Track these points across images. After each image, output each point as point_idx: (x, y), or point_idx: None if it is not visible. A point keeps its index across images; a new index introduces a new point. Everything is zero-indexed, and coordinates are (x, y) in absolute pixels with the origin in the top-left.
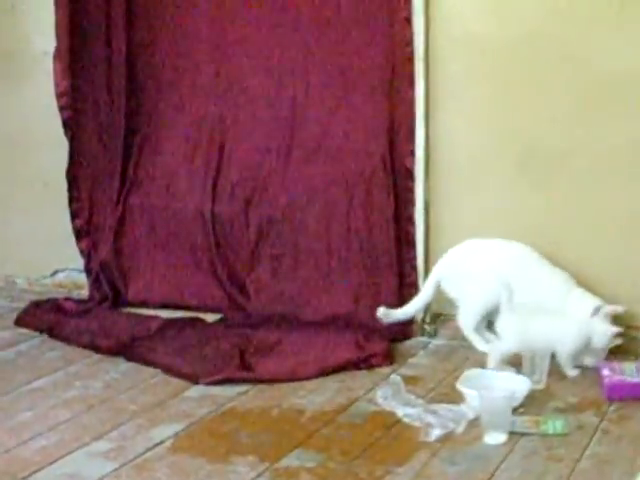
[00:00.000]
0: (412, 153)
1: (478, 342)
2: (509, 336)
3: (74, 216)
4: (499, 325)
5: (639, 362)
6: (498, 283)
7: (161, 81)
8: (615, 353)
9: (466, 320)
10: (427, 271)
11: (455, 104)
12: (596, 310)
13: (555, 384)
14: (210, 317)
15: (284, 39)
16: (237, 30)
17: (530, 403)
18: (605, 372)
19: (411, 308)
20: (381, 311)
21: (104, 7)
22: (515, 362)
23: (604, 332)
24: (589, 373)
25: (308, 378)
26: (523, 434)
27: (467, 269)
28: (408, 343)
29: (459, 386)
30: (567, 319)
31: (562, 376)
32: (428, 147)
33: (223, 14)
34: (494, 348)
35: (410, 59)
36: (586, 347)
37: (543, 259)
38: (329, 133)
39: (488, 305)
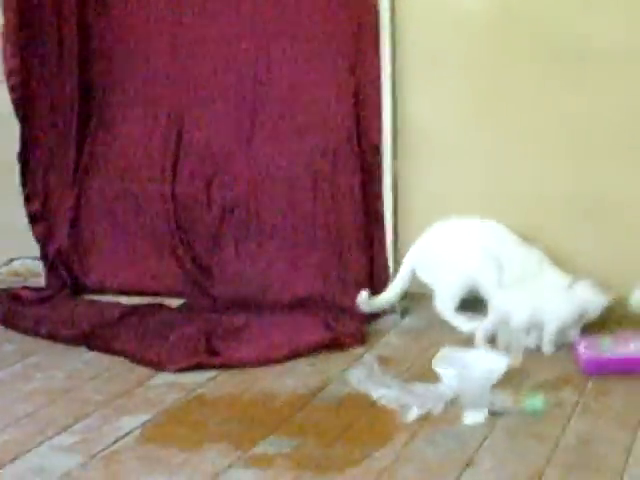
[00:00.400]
0: (379, 128)
1: (461, 323)
2: (504, 312)
3: (28, 200)
4: (492, 302)
5: (615, 337)
6: (482, 261)
7: (115, 63)
8: (589, 328)
9: (444, 304)
10: (396, 249)
11: (423, 77)
12: (571, 286)
13: (530, 361)
14: (173, 302)
15: (243, 17)
16: (193, 9)
17: (507, 381)
18: (581, 348)
19: (387, 296)
20: (362, 297)
21: None
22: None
23: (598, 303)
24: (563, 349)
25: (278, 361)
26: (502, 413)
27: (439, 253)
28: (379, 322)
29: (435, 366)
30: (560, 292)
31: (537, 353)
32: (396, 122)
33: None
34: (482, 327)
35: (375, 31)
36: (578, 320)
37: (515, 236)
38: (292, 110)
39: (464, 286)
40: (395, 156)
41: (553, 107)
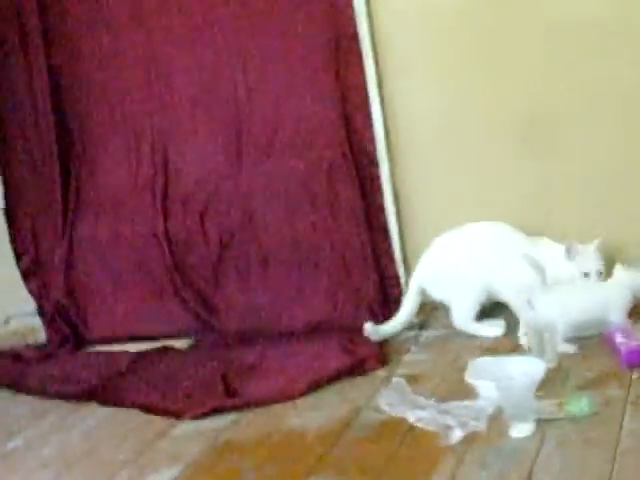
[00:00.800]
0: (372, 137)
1: (485, 331)
2: (559, 314)
3: (19, 257)
4: (541, 307)
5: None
6: (496, 265)
7: (89, 96)
8: None
9: (463, 317)
10: (406, 261)
11: (409, 80)
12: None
13: (566, 361)
14: (181, 344)
15: (217, 34)
16: (166, 33)
17: (547, 386)
18: (619, 338)
19: (398, 322)
20: (369, 329)
21: (17, 22)
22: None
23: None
24: (591, 344)
25: (301, 394)
26: (549, 420)
27: (447, 267)
28: (397, 339)
29: (469, 379)
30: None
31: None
32: (388, 130)
33: (150, 20)
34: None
35: (355, 37)
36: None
37: (519, 232)
38: (279, 127)
39: (480, 296)
40: (392, 164)
41: (555, 91)
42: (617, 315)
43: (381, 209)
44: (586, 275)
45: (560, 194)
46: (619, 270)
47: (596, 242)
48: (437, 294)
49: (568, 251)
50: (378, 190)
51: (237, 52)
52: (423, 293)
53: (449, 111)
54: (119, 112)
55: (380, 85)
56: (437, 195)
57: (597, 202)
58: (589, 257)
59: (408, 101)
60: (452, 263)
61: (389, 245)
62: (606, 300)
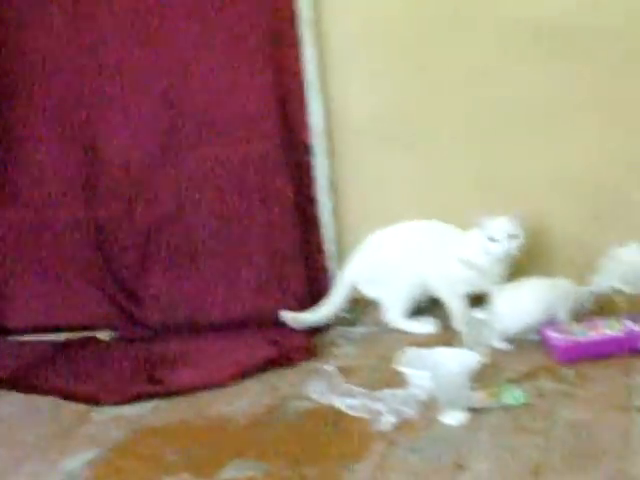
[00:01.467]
0: (308, 127)
1: (417, 327)
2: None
3: None
4: (497, 305)
5: (582, 323)
6: (428, 262)
7: (15, 81)
8: None
9: (394, 314)
10: (337, 255)
11: (349, 69)
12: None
13: (500, 356)
14: (103, 335)
15: (155, 33)
16: (98, 14)
17: (480, 378)
18: (553, 335)
19: (322, 314)
20: (286, 316)
21: None
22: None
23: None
24: (526, 340)
25: (226, 383)
26: (482, 409)
27: (380, 265)
28: (327, 334)
29: (401, 368)
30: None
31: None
32: (326, 119)
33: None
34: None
35: (293, 21)
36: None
37: (452, 228)
38: (212, 115)
39: (413, 292)
40: (328, 155)
41: (493, 88)
42: (564, 315)
43: (314, 201)
44: (492, 240)
45: (498, 191)
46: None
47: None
48: (369, 291)
49: (479, 225)
50: (312, 181)
51: (169, 38)
52: (353, 289)
53: (389, 102)
54: (47, 97)
55: (318, 72)
56: (372, 188)
57: (535, 199)
58: (499, 224)
59: (347, 90)
60: (385, 260)
61: (321, 238)
62: (556, 300)
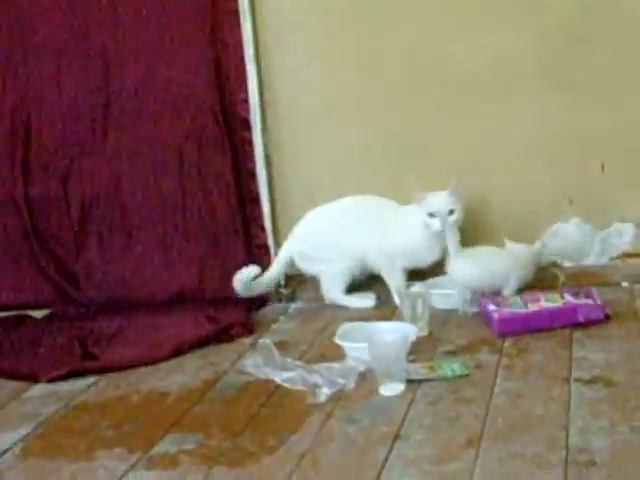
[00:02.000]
0: (245, 101)
1: (356, 302)
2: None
3: None
4: (453, 271)
5: (520, 296)
6: (365, 237)
7: None
8: None
9: (333, 290)
10: (276, 231)
11: (289, 44)
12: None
13: (438, 329)
14: (38, 313)
15: (89, 6)
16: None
17: (418, 351)
18: (491, 307)
19: (266, 280)
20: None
21: None
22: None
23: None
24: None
25: (162, 359)
26: (421, 381)
27: (317, 242)
28: (265, 311)
29: (339, 341)
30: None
31: (442, 322)
32: (263, 93)
33: None
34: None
35: (234, 2)
36: None
37: (390, 203)
38: (150, 90)
39: (352, 268)
40: (265, 130)
41: (432, 61)
42: (511, 286)
43: (252, 176)
44: (431, 216)
45: (437, 162)
46: (512, 244)
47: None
48: (308, 268)
49: (418, 200)
50: (250, 157)
51: (105, 16)
52: (291, 265)
53: (328, 78)
54: None
55: (257, 47)
56: (310, 164)
57: (475, 171)
58: (437, 199)
59: (286, 65)
60: (323, 237)
61: (259, 214)
62: (507, 270)
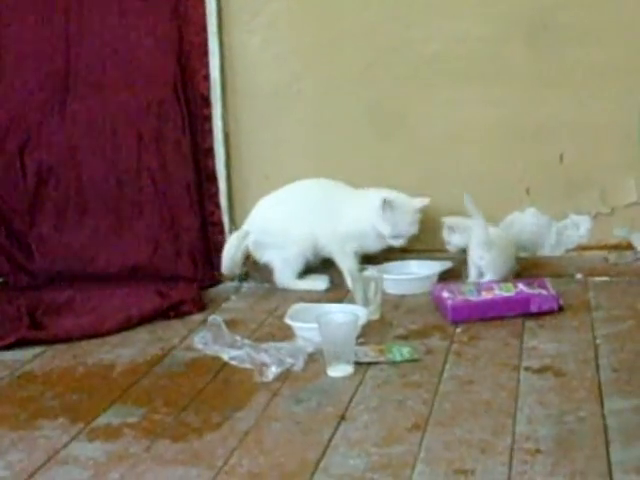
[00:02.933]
0: (206, 77)
1: (309, 285)
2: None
3: None
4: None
5: (474, 283)
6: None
7: None
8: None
9: (286, 277)
10: (231, 207)
11: (252, 20)
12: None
13: (390, 314)
14: None
15: None
16: None
17: (369, 334)
18: (445, 294)
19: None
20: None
21: None
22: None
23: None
24: (417, 300)
25: (110, 332)
26: (370, 364)
27: (269, 231)
28: (217, 289)
29: (289, 321)
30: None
31: (394, 307)
32: (224, 70)
33: None
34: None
35: None
36: None
37: (342, 185)
38: (109, 62)
39: (304, 253)
40: (225, 106)
41: (397, 41)
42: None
43: (210, 152)
44: (396, 238)
45: (396, 144)
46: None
47: (421, 203)
48: (261, 256)
49: (383, 208)
50: (209, 134)
51: None
52: (245, 253)
53: (290, 58)
54: None
55: (220, 24)
56: (269, 143)
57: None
58: (405, 220)
59: (248, 44)
60: (273, 224)
61: (216, 191)
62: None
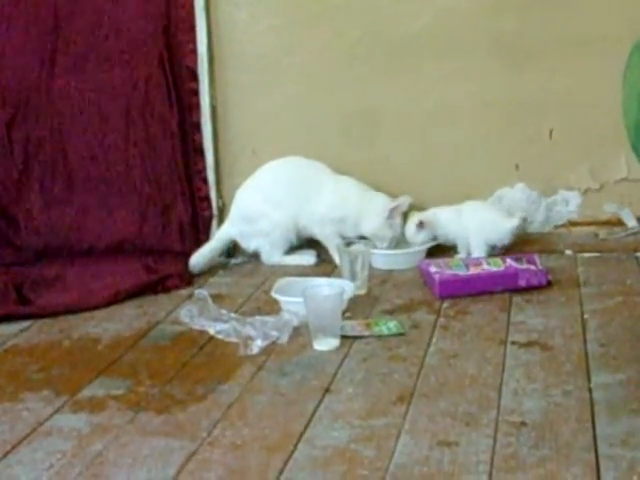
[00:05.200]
0: (193, 51)
1: (297, 260)
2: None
3: None
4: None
5: (461, 258)
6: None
7: None
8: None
9: (273, 258)
10: (218, 182)
11: None
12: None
13: (376, 289)
14: None
15: None
16: None
17: (355, 309)
18: (432, 269)
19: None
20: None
21: None
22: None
23: None
24: (404, 275)
25: (97, 307)
26: (356, 337)
27: (250, 217)
28: None
29: (275, 294)
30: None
31: (382, 281)
32: (211, 44)
33: None
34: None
35: None
36: None
37: (320, 164)
38: (98, 36)
39: (289, 235)
40: (212, 81)
41: (369, 31)
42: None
43: (197, 128)
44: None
45: (379, 125)
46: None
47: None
48: (248, 246)
49: (392, 210)
50: (196, 108)
51: None
52: (230, 244)
53: (278, 33)
54: None
55: None
56: (256, 118)
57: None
58: (397, 223)
59: (236, 18)
60: (255, 213)
61: (203, 166)
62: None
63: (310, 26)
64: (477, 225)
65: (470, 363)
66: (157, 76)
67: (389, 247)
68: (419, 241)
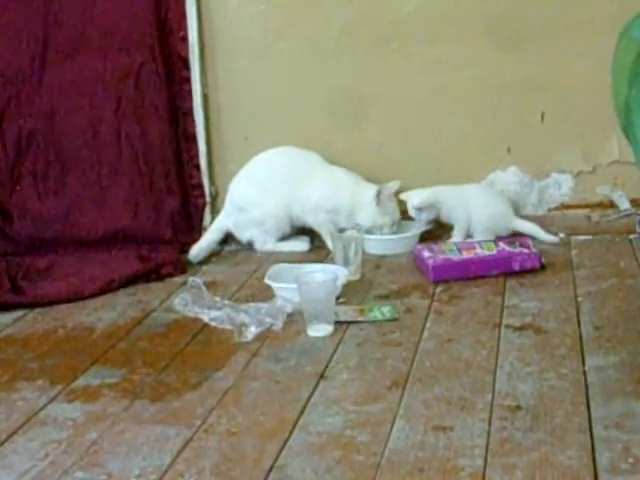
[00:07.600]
0: (184, 39)
1: (290, 246)
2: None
3: None
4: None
5: (455, 243)
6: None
7: None
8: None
9: (266, 247)
10: (211, 170)
11: None
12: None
13: (370, 274)
14: None
15: None
16: None
17: (349, 294)
18: (425, 254)
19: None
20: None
21: None
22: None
23: None
24: (397, 261)
25: (91, 296)
26: (350, 323)
27: (244, 208)
28: None
29: (268, 281)
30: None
31: (375, 267)
32: (202, 31)
33: None
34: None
35: None
36: None
37: (317, 157)
38: (89, 24)
39: (282, 224)
40: (203, 69)
41: (359, 16)
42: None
43: (189, 115)
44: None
45: (371, 110)
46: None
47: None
48: (243, 236)
49: (378, 196)
50: (188, 95)
51: None
52: (224, 235)
53: (268, 20)
54: None
55: None
56: (248, 105)
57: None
58: (391, 208)
59: (227, 5)
60: (249, 203)
61: (195, 153)
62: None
63: (300, 12)
64: (488, 218)
65: (464, 347)
66: (148, 64)
67: (391, 232)
68: (424, 220)
